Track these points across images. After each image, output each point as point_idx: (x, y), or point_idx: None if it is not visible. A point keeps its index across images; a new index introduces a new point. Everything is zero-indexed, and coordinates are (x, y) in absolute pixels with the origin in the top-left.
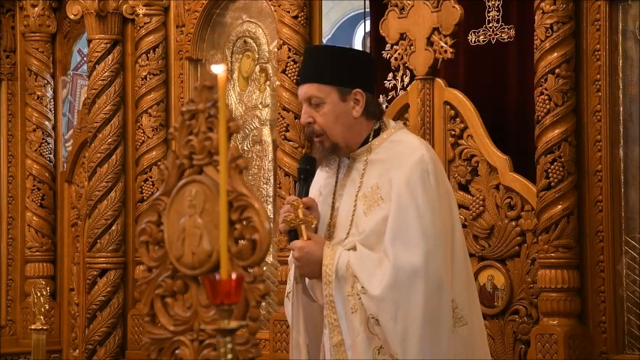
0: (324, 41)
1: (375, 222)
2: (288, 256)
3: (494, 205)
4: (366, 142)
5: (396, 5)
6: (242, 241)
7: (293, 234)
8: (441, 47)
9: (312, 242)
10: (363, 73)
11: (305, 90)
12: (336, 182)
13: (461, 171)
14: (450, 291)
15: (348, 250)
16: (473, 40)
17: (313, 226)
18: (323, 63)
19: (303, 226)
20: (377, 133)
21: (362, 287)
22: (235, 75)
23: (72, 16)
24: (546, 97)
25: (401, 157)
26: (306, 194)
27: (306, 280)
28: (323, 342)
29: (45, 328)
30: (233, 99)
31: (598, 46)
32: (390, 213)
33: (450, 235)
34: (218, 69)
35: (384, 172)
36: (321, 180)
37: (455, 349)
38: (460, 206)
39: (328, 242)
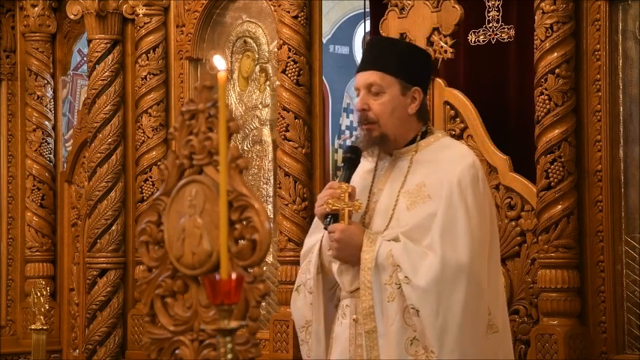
0: (324, 41)
1: (420, 217)
2: (288, 256)
3: (495, 205)
4: (411, 142)
5: (396, 5)
6: (242, 241)
7: (332, 217)
8: (441, 47)
9: (354, 227)
10: (425, 73)
11: (367, 76)
12: (374, 178)
13: None
14: (486, 297)
15: (389, 240)
16: (473, 40)
17: (360, 211)
18: (391, 54)
19: (347, 211)
20: (424, 135)
21: (405, 277)
22: (235, 75)
23: (72, 16)
24: (546, 97)
25: (452, 160)
26: (348, 182)
27: (334, 267)
28: (333, 333)
29: (45, 328)
30: (233, 99)
31: (598, 46)
32: (440, 209)
33: (487, 243)
34: (219, 61)
35: (432, 173)
36: (359, 174)
37: (487, 354)
38: None
39: (368, 230)
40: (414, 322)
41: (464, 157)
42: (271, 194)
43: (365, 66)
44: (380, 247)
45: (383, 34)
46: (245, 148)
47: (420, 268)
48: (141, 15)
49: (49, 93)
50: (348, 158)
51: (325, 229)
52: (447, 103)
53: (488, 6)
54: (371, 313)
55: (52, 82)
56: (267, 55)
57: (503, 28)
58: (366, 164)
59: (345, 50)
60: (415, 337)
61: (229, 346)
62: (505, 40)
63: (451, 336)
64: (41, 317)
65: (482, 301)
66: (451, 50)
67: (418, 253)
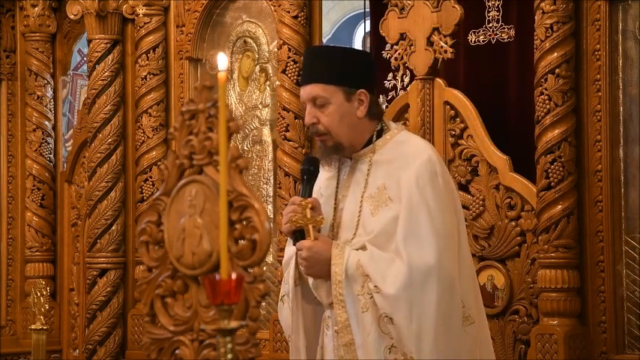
0: (324, 41)
1: (384, 222)
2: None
3: (495, 205)
4: (369, 142)
5: (396, 5)
6: (242, 241)
7: (298, 234)
8: (441, 47)
9: (320, 242)
10: (367, 73)
11: (309, 90)
12: (338, 184)
13: (461, 171)
14: (459, 290)
15: (357, 249)
16: (473, 40)
17: (323, 225)
18: (328, 63)
19: (310, 226)
20: (379, 134)
21: (375, 286)
22: (235, 75)
23: (72, 16)
24: (546, 97)
25: (408, 158)
26: (309, 195)
27: (310, 280)
28: (321, 344)
29: (45, 328)
30: (233, 99)
31: (598, 46)
32: (401, 213)
33: (456, 236)
34: (222, 59)
35: (391, 173)
36: (322, 182)
37: (465, 348)
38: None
39: (335, 242)
40: (389, 330)
41: (419, 153)
42: (271, 194)
43: (306, 79)
44: (349, 258)
45: (383, 35)
46: (245, 148)
47: (388, 275)
48: (141, 15)
49: (49, 93)
50: (307, 170)
51: (294, 245)
52: (447, 103)
53: (488, 6)
54: (347, 326)
55: (52, 82)
56: (267, 55)
57: (503, 28)
58: (325, 173)
59: None
60: (393, 345)
61: (229, 346)
62: (505, 40)
63: (427, 339)
64: (41, 317)
65: (455, 297)
66: (451, 50)
67: (385, 261)
